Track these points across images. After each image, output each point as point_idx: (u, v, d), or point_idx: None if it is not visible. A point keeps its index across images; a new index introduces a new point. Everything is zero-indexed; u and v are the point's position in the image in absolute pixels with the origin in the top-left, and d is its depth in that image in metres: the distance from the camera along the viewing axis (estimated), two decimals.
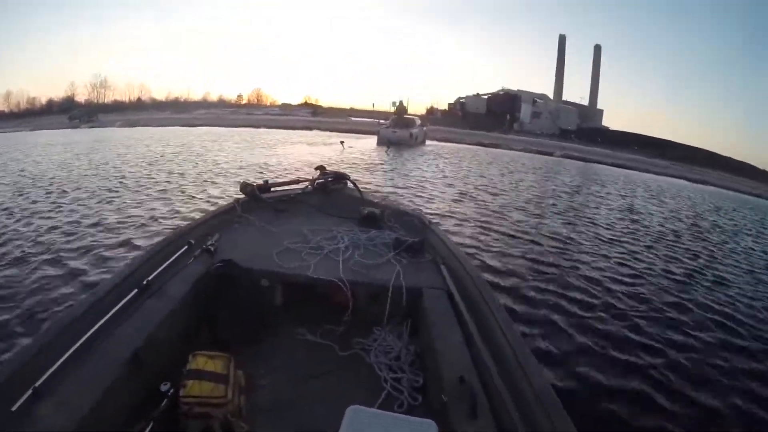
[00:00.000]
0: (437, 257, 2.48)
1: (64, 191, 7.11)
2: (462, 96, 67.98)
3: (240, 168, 10.21)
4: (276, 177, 8.28)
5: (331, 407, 1.33)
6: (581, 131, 58.76)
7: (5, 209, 5.95)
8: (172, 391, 1.39)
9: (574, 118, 62.66)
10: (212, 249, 2.30)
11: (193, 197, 6.86)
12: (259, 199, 3.27)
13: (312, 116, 47.76)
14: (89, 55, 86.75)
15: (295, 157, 13.02)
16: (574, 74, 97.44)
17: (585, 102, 66.33)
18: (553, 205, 9.33)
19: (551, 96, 66.87)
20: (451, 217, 6.82)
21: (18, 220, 5.40)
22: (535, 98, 64.64)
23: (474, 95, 67.30)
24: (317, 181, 3.65)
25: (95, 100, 52.93)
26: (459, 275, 2.21)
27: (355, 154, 15.09)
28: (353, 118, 46.77)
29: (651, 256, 6.21)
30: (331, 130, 28.01)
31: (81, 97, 52.30)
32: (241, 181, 3.53)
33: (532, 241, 6.00)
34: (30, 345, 1.42)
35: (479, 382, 1.45)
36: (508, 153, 25.05)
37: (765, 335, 3.99)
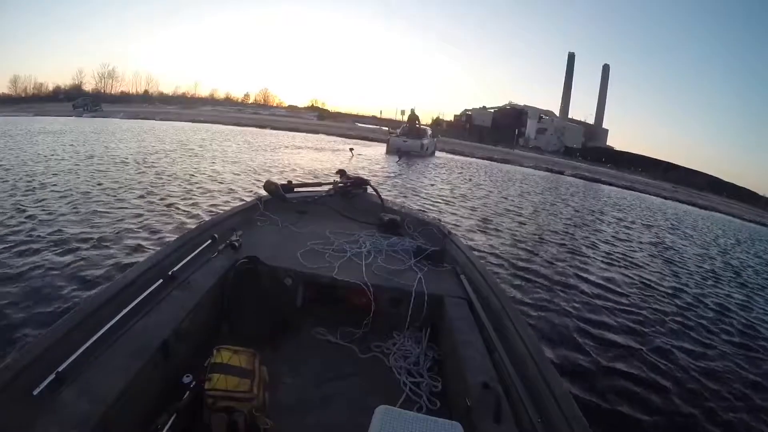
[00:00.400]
0: (457, 266, 2.51)
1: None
2: (468, 108, 68.00)
3: (231, 179, 8.97)
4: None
5: (352, 407, 1.53)
6: (586, 150, 58.82)
7: None
8: (194, 383, 1.37)
9: (579, 136, 62.62)
10: (237, 244, 2.30)
11: (143, 224, 5.03)
12: (282, 199, 3.27)
13: (318, 120, 47.29)
14: (100, 44, 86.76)
15: (301, 165, 12.10)
16: (581, 92, 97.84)
17: (590, 121, 66.40)
18: (576, 226, 9.35)
19: (557, 113, 66.94)
20: (483, 250, 6.06)
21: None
22: (541, 114, 64.64)
23: (481, 108, 67.30)
24: (338, 185, 3.67)
25: (102, 90, 53.54)
26: (478, 284, 2.24)
27: (365, 163, 14.42)
28: (359, 124, 46.33)
29: (671, 280, 6.33)
30: (338, 135, 27.31)
31: (88, 86, 52.89)
32: (265, 180, 3.50)
33: (554, 260, 5.99)
34: (53, 330, 1.36)
35: (501, 388, 1.46)
36: (520, 170, 24.52)
37: None
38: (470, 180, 14.50)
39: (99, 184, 6.84)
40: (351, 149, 16.87)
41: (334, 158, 14.60)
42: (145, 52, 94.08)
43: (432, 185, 11.27)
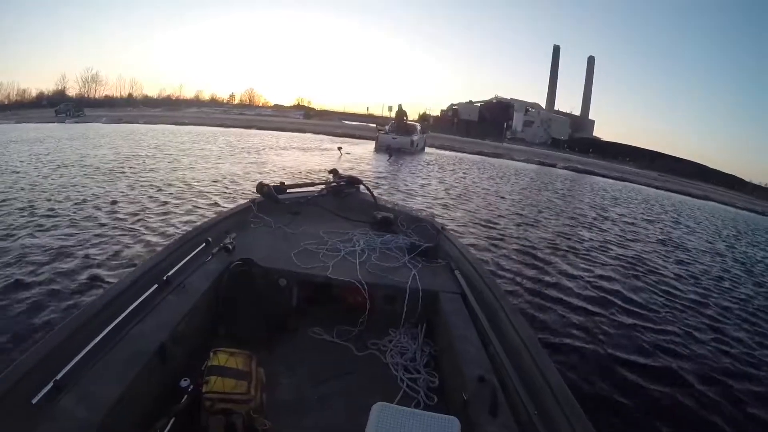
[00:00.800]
0: (451, 262, 2.52)
1: None
2: (455, 103, 67.56)
3: (207, 186, 8.39)
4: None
5: (350, 406, 1.57)
6: (573, 141, 58.91)
7: None
8: (192, 387, 1.37)
9: (566, 127, 62.69)
10: (230, 247, 2.30)
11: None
12: (275, 200, 3.26)
13: (304, 118, 46.47)
14: (82, 49, 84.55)
15: (286, 168, 11.41)
16: (566, 84, 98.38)
17: (576, 112, 66.58)
18: (572, 218, 9.31)
19: (543, 105, 66.89)
20: (479, 246, 5.71)
21: None
22: (527, 107, 64.54)
23: (467, 102, 66.93)
24: (331, 185, 3.65)
25: (86, 95, 52.65)
26: (473, 279, 2.25)
27: (354, 162, 13.79)
28: (346, 122, 45.65)
29: (660, 263, 6.43)
30: (325, 134, 26.49)
31: (72, 91, 51.88)
32: (257, 182, 3.47)
33: (552, 254, 5.94)
34: (50, 339, 1.35)
35: (498, 381, 1.47)
36: (512, 164, 24.03)
37: None
38: (464, 177, 14.00)
39: (67, 198, 6.23)
40: (339, 148, 16.21)
41: (322, 159, 13.87)
42: (129, 55, 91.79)
43: (426, 185, 10.74)
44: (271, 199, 3.24)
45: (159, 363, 1.42)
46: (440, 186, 10.91)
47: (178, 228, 5.04)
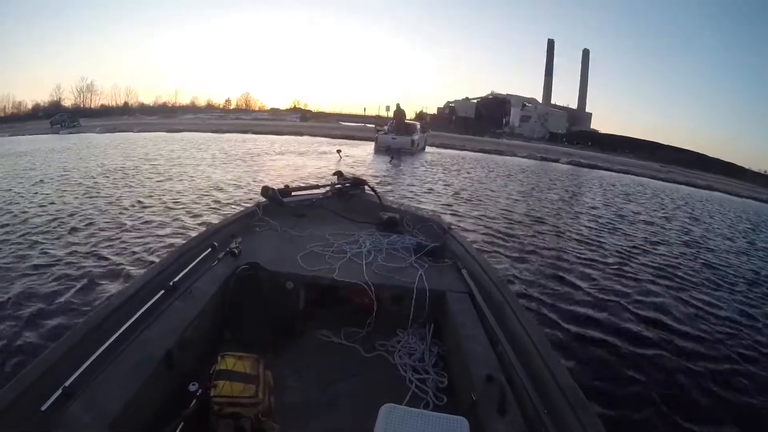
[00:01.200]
0: (458, 261, 2.50)
1: None
2: (451, 100, 67.11)
3: (203, 197, 7.94)
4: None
5: (359, 407, 1.56)
6: (571, 135, 58.52)
7: None
8: (200, 391, 1.37)
9: (563, 121, 62.22)
10: (236, 251, 2.30)
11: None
12: (279, 204, 3.24)
13: (301, 121, 45.89)
14: (77, 58, 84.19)
15: (283, 175, 10.87)
16: (562, 78, 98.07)
17: (573, 105, 66.14)
18: (582, 214, 9.13)
19: (540, 100, 66.46)
20: (486, 249, 5.38)
21: None
22: (524, 102, 64.12)
23: (463, 99, 66.46)
24: (336, 186, 3.64)
25: (81, 105, 52.45)
26: (480, 278, 2.23)
27: (355, 165, 13.22)
28: (344, 123, 45.13)
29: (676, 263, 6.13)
30: (323, 136, 25.90)
31: (67, 102, 51.77)
32: (262, 185, 3.41)
33: (563, 253, 5.75)
34: (59, 345, 1.36)
35: (506, 380, 1.46)
36: (516, 161, 23.45)
37: None
38: (469, 176, 13.47)
39: (72, 208, 6.23)
40: (338, 151, 15.68)
41: (321, 164, 13.28)
42: (124, 64, 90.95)
43: (431, 189, 10.17)
44: (276, 202, 3.22)
45: (167, 368, 1.44)
46: (448, 189, 10.35)
47: (176, 236, 5.00)
